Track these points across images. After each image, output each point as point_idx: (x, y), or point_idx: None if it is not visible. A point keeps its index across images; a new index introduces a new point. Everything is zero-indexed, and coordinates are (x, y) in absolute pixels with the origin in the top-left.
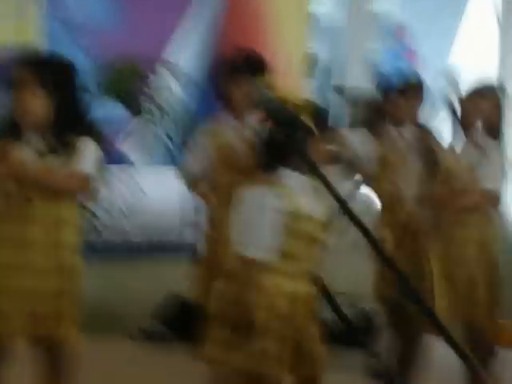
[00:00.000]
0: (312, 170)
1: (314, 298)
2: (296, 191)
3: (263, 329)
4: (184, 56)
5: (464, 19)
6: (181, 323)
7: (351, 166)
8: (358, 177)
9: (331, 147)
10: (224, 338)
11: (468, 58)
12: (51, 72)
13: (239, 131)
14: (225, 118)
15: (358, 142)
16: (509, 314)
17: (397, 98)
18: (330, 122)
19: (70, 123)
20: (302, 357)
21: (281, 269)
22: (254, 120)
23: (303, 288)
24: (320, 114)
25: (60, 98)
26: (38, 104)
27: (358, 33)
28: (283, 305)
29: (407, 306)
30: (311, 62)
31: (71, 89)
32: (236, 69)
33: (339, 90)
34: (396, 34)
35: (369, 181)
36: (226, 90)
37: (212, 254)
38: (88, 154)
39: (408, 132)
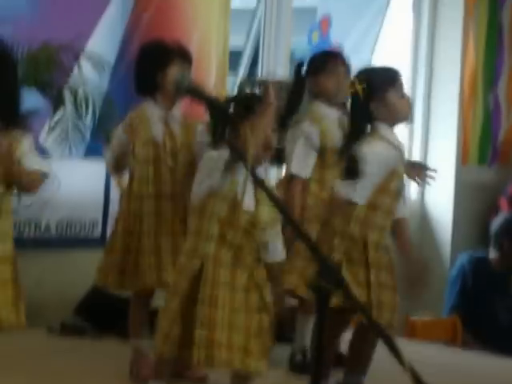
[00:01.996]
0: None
1: None
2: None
3: None
4: (105, 46)
5: (389, 11)
6: (103, 317)
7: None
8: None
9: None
10: None
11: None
12: None
13: (166, 124)
14: (150, 108)
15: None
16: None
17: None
18: None
19: (10, 110)
20: None
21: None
22: (179, 109)
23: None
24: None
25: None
26: None
27: (281, 26)
28: None
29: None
30: (234, 57)
31: (12, 73)
32: (169, 56)
33: (263, 84)
34: (321, 27)
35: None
36: (155, 78)
37: (124, 244)
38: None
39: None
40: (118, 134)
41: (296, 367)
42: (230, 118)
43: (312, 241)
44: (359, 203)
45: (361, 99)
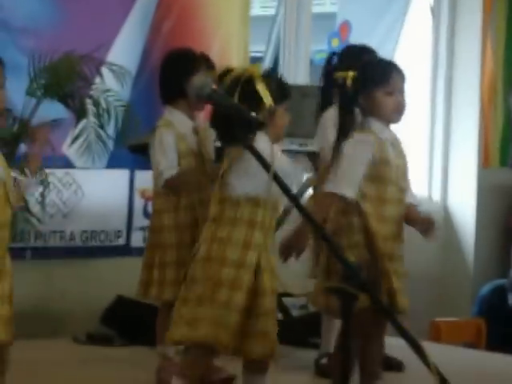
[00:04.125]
0: (260, 162)
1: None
2: None
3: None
4: (126, 56)
5: (408, 16)
6: (129, 325)
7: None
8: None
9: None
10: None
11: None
12: None
13: (196, 133)
14: (177, 117)
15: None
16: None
17: None
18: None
19: None
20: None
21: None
22: (202, 117)
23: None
24: (280, 84)
25: None
26: None
27: (300, 32)
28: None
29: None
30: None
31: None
32: (195, 63)
33: None
34: (340, 32)
35: None
36: (181, 85)
37: (156, 256)
38: None
39: None
40: (169, 143)
41: (321, 371)
42: (254, 121)
43: (336, 244)
44: (351, 197)
45: (348, 88)
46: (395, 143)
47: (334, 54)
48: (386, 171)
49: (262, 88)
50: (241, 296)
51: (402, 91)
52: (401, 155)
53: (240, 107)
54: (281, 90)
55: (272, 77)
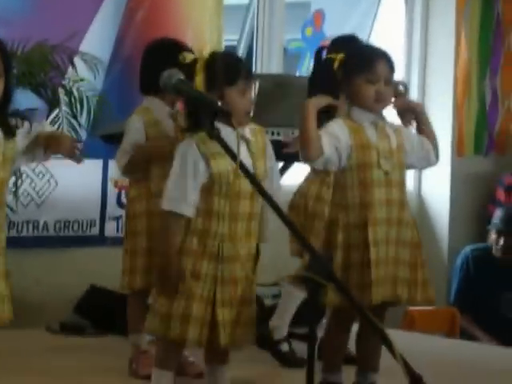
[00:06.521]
0: (227, 152)
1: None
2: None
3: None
4: (99, 45)
5: (381, 4)
6: (102, 315)
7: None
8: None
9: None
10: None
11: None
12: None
13: (175, 120)
14: (156, 105)
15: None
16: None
17: None
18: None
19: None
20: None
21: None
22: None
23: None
24: (230, 63)
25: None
26: None
27: (274, 22)
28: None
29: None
30: None
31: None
32: (177, 56)
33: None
34: (314, 21)
35: None
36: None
37: (136, 243)
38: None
39: None
40: (132, 136)
41: (285, 359)
42: (221, 111)
43: (301, 233)
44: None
45: (335, 71)
46: (379, 125)
47: (322, 48)
48: (366, 156)
49: (199, 73)
50: (201, 285)
51: (387, 81)
52: (384, 135)
53: (205, 97)
54: (231, 71)
55: (220, 58)
